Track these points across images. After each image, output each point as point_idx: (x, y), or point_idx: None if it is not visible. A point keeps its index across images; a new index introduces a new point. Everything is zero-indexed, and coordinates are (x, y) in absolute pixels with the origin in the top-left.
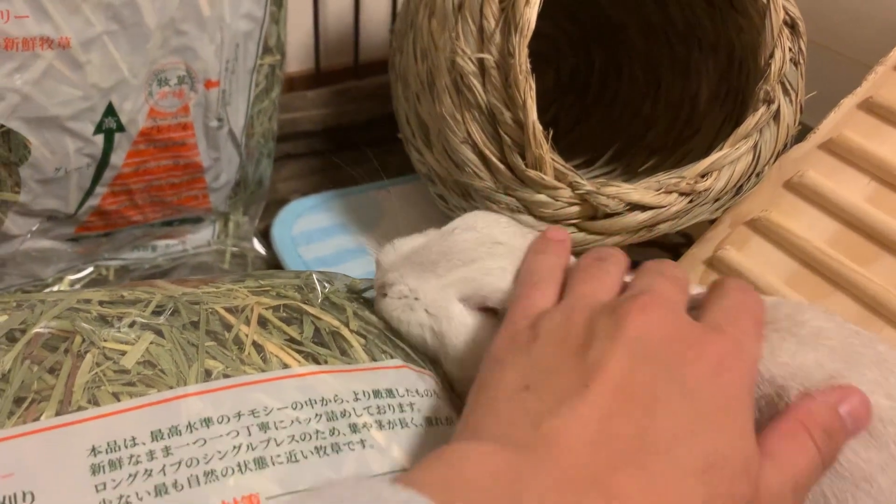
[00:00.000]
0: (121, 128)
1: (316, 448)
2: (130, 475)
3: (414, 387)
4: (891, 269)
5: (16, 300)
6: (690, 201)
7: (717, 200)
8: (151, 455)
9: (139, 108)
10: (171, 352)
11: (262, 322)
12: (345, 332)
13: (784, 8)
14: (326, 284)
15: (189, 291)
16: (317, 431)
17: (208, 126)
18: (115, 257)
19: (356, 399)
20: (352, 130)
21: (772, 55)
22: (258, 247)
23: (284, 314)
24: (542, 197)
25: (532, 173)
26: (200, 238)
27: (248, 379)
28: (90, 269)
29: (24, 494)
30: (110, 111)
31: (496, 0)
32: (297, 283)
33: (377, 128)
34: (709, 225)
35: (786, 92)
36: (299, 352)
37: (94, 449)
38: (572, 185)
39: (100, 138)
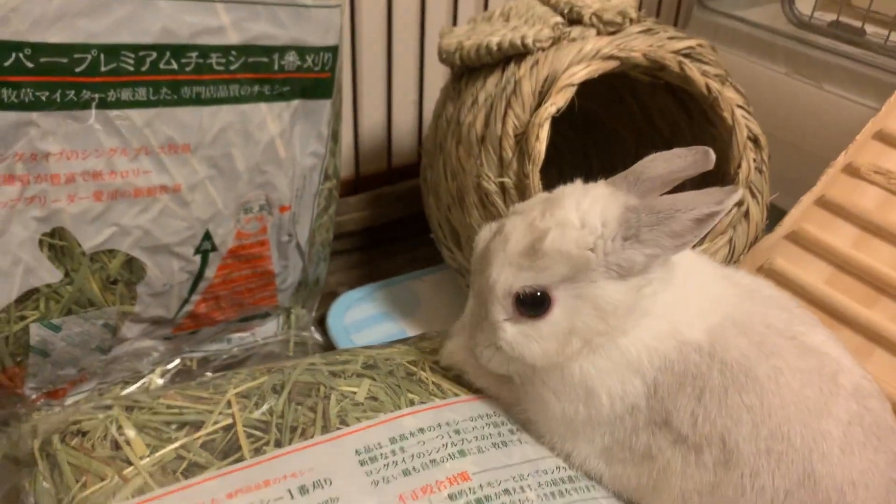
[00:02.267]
0: (214, 248)
1: (493, 444)
2: (384, 465)
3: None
4: (848, 339)
5: (265, 369)
6: None
7: None
8: (393, 452)
9: (229, 231)
10: (385, 389)
11: (431, 369)
12: None
13: (747, 127)
14: None
15: (376, 353)
16: (489, 433)
17: (280, 241)
18: (196, 350)
19: (506, 411)
20: (387, 228)
21: (739, 165)
22: (316, 335)
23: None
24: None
25: None
26: (267, 330)
27: (437, 403)
28: (177, 361)
29: (324, 480)
30: (207, 236)
31: (512, 135)
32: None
33: (409, 226)
34: None
35: (753, 195)
36: (458, 385)
37: (356, 451)
38: None
39: (198, 258)
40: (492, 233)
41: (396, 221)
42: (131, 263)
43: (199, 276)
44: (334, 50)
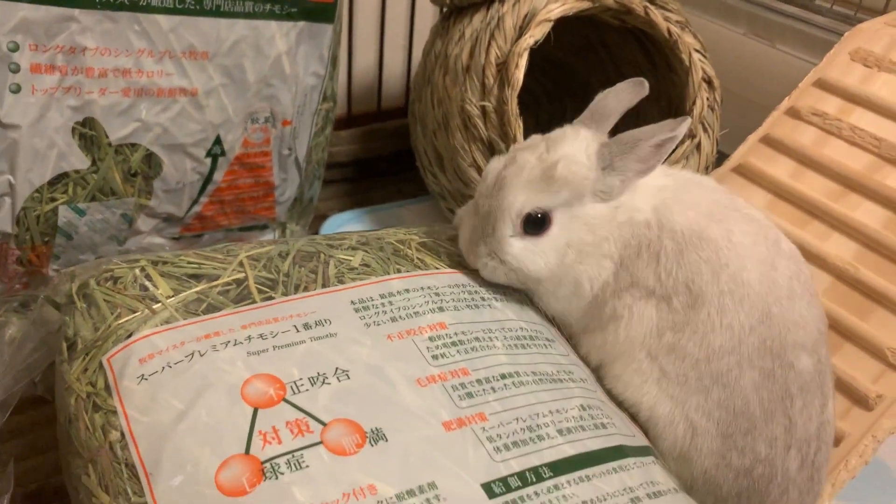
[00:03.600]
0: (223, 153)
1: (466, 305)
2: (375, 312)
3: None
4: None
5: (271, 243)
6: None
7: None
8: (382, 305)
9: (237, 138)
10: (376, 259)
11: (416, 248)
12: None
13: (702, 69)
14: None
15: (369, 234)
16: (464, 298)
17: (281, 153)
18: None
19: (479, 284)
20: (376, 162)
21: (694, 103)
22: None
23: (426, 241)
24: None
25: None
26: None
27: (420, 272)
28: None
29: (324, 320)
30: (217, 141)
31: (494, 64)
32: (426, 230)
33: (395, 161)
34: None
35: (705, 129)
36: (440, 261)
37: (352, 301)
38: None
39: (209, 160)
40: (502, 163)
41: (384, 156)
42: (150, 158)
43: (208, 179)
44: None
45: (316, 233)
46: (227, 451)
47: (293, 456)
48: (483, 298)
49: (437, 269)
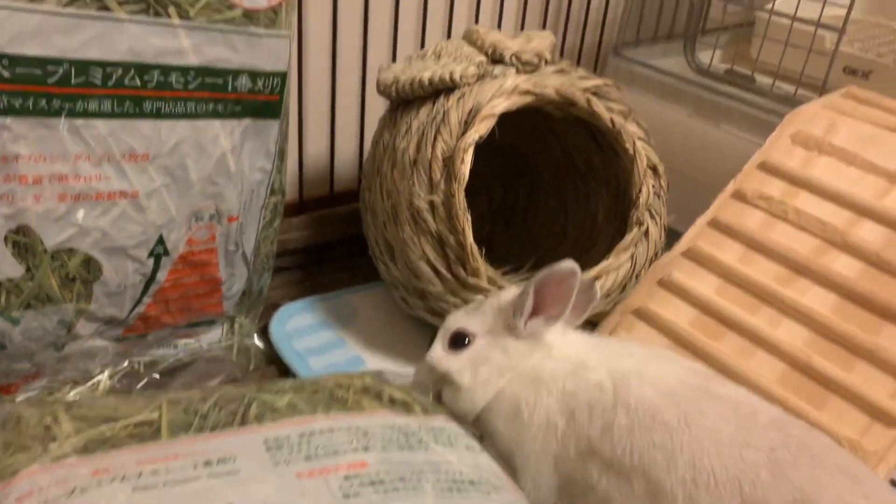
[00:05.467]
0: (167, 253)
1: (398, 446)
2: (289, 450)
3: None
4: (735, 342)
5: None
6: None
7: (608, 296)
8: (299, 443)
9: (181, 237)
10: (305, 400)
11: (356, 390)
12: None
13: (647, 157)
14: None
15: (312, 378)
16: (396, 438)
17: (228, 250)
18: (145, 354)
19: (419, 426)
20: (328, 247)
21: (640, 191)
22: (258, 342)
23: (369, 385)
24: (480, 297)
25: (471, 280)
26: (212, 336)
27: (351, 413)
28: (126, 364)
29: (228, 457)
30: (160, 241)
31: (441, 159)
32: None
33: (348, 246)
34: (605, 315)
35: (652, 217)
36: (380, 403)
37: (265, 440)
38: (501, 288)
39: (151, 261)
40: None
41: (336, 241)
42: (89, 263)
43: (151, 279)
44: (283, 75)
45: (266, 324)
46: None
47: None
48: (420, 441)
49: (374, 410)
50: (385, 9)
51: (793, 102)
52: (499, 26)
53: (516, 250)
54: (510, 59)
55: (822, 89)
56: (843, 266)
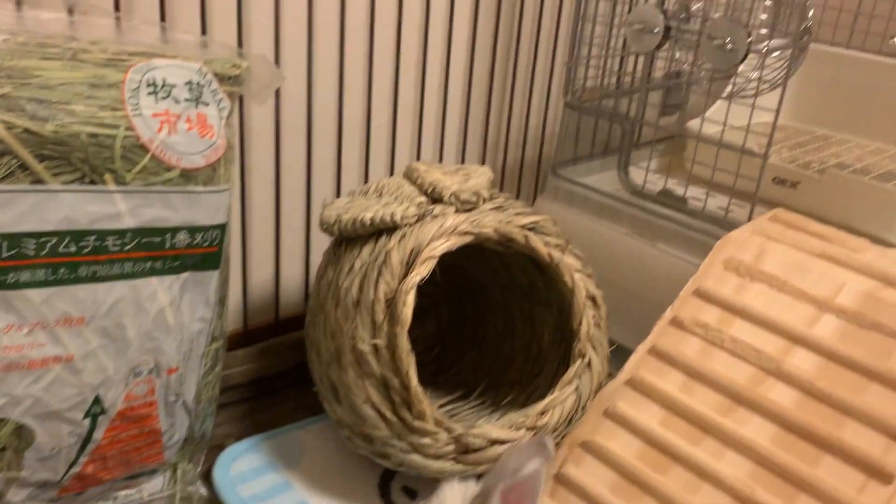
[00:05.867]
0: (104, 411)
1: None
2: None
3: None
4: (680, 475)
5: None
6: (535, 433)
7: (555, 430)
8: None
9: (119, 395)
10: None
11: None
12: None
13: (585, 288)
14: None
15: None
16: None
17: (168, 401)
18: None
19: None
20: (275, 378)
21: (580, 322)
22: (201, 489)
23: None
24: (426, 440)
25: (417, 423)
26: (154, 486)
27: None
28: None
29: None
30: (97, 401)
31: (383, 300)
32: None
33: (296, 374)
34: (554, 448)
35: (594, 348)
36: None
37: None
38: (448, 430)
39: (87, 421)
40: None
41: (284, 372)
42: (21, 430)
43: (87, 439)
44: (223, 227)
45: (210, 468)
46: None
47: None
48: None
49: None
50: (329, 141)
51: (724, 224)
52: (441, 148)
53: (467, 371)
54: (449, 198)
55: (750, 213)
56: (780, 395)
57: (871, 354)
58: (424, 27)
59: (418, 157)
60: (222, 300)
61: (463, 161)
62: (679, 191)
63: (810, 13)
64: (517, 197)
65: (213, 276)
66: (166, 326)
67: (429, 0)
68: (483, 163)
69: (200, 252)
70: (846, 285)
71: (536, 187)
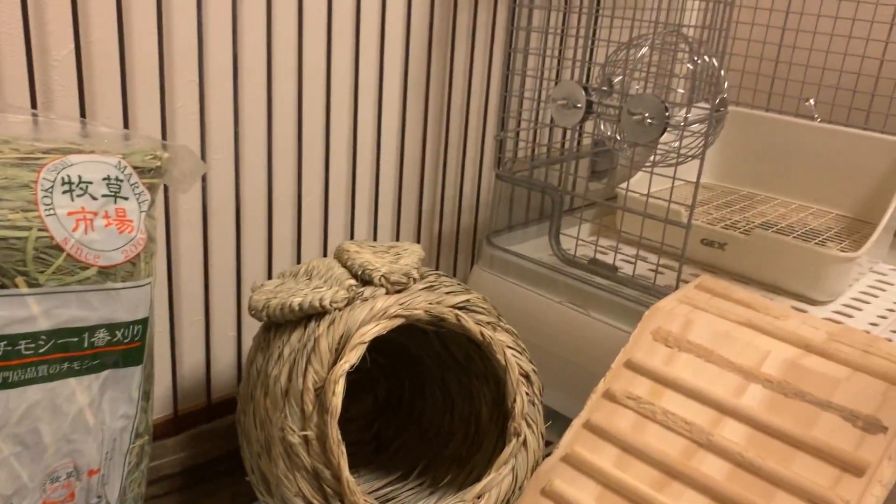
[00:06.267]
0: None
1: None
2: None
3: None
4: None
5: None
6: None
7: None
8: None
9: (34, 503)
10: None
11: None
12: None
13: (518, 365)
14: None
15: None
16: None
17: (89, 503)
18: None
19: None
20: (208, 466)
21: (514, 400)
22: None
23: None
24: None
25: None
26: None
27: None
28: None
29: None
30: None
31: (312, 390)
32: None
33: (230, 461)
34: None
35: (528, 425)
36: None
37: None
38: None
39: None
40: None
41: (217, 459)
42: None
43: None
44: (144, 322)
45: None
46: None
47: None
48: None
49: None
50: (259, 222)
51: (653, 291)
52: (375, 220)
53: (407, 448)
54: (379, 280)
55: (676, 283)
56: (712, 468)
57: (796, 423)
58: (354, 102)
59: (352, 232)
60: (147, 395)
61: (398, 231)
62: (610, 255)
63: (725, 84)
64: (454, 264)
65: (135, 372)
66: (86, 427)
67: (357, 75)
68: (419, 232)
69: (121, 349)
70: (770, 354)
71: (474, 253)
